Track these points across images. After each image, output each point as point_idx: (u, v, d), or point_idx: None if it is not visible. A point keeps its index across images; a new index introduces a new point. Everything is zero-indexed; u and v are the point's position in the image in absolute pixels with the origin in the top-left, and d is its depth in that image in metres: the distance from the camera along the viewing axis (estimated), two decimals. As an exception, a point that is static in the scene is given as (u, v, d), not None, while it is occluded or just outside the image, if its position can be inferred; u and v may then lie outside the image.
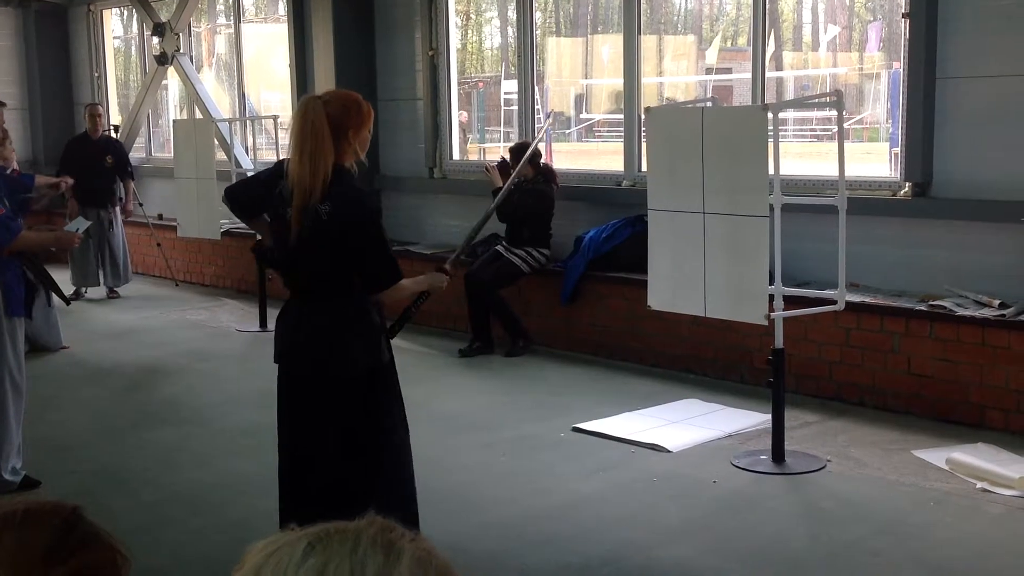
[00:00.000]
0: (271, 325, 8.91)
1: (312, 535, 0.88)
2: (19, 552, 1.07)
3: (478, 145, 10.78)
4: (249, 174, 9.95)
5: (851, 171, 6.50)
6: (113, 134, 11.53)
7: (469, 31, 10.36)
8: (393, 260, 3.93)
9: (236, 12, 11.13)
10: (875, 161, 7.76)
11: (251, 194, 4.12)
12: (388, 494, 4.02)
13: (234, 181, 4.20)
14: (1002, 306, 5.79)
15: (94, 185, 10.11)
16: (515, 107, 8.83)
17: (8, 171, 7.50)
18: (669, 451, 5.54)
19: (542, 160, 7.97)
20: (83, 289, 10.41)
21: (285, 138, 10.18)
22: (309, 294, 3.91)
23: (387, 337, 4.03)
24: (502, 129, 10.47)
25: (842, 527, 4.56)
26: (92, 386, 7.25)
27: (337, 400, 3.90)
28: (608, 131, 10.25)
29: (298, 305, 3.94)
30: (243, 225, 9.48)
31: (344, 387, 3.89)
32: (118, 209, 10.37)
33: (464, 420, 6.20)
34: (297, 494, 4.02)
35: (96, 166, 10.06)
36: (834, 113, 5.35)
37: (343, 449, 3.94)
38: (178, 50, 11.43)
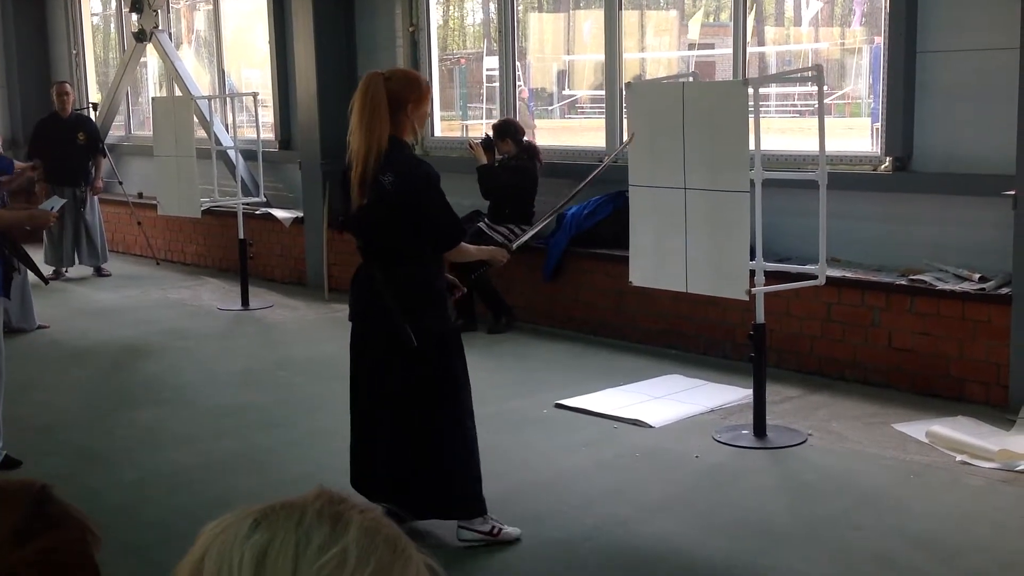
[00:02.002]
0: (253, 304, 9.01)
1: (258, 512, 0.88)
2: (-13, 532, 1.06)
3: (460, 122, 10.73)
4: (229, 152, 9.96)
5: (833, 146, 6.50)
6: (92, 112, 11.43)
7: (451, 7, 10.28)
8: (456, 221, 4.20)
9: (215, -12, 11.03)
10: (857, 136, 7.75)
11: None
12: (453, 461, 4.18)
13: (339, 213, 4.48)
14: (982, 280, 5.81)
15: (67, 164, 10.03)
16: (497, 84, 8.79)
17: None
18: (651, 426, 5.55)
19: (525, 137, 7.95)
20: (63, 269, 10.35)
21: (265, 115, 10.14)
22: (378, 260, 4.12)
23: (453, 304, 4.25)
24: (484, 106, 10.40)
25: (823, 500, 4.59)
26: (73, 366, 7.22)
27: (410, 364, 4.08)
28: (591, 107, 10.21)
29: (369, 270, 4.15)
30: (223, 203, 9.48)
31: (416, 352, 4.06)
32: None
33: (447, 397, 6.19)
34: (368, 454, 4.25)
35: (69, 144, 9.98)
36: (816, 88, 5.34)
37: (412, 413, 4.12)
38: (157, 27, 11.32)
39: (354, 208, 4.06)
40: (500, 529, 4.20)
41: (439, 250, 4.16)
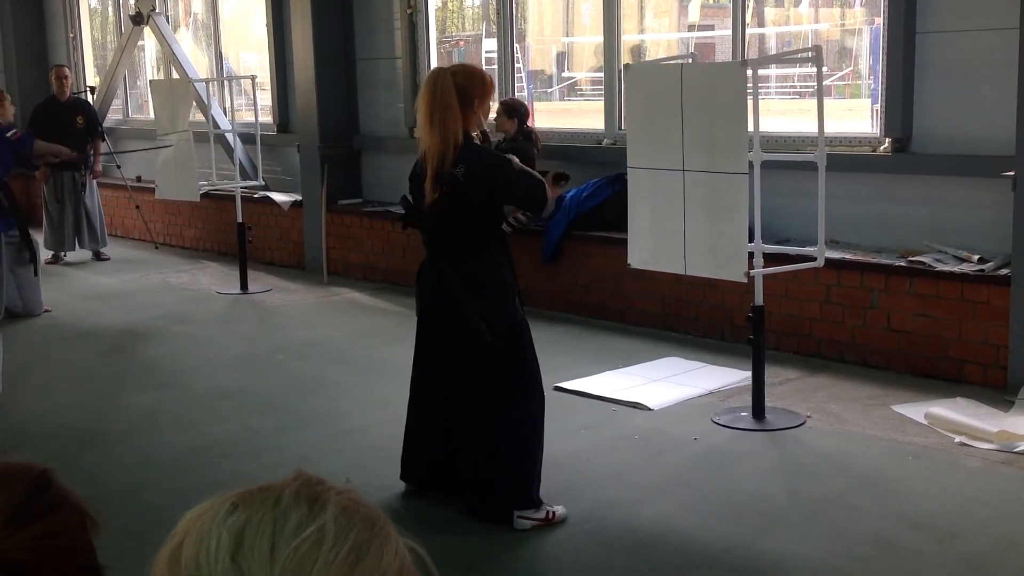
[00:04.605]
0: (252, 287, 9.01)
1: (237, 495, 0.89)
2: (-17, 514, 1.05)
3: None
4: (227, 135, 9.93)
5: (834, 127, 6.49)
6: (90, 96, 11.40)
7: (448, -11, 10.24)
8: (539, 182, 4.24)
9: (212, -29, 10.98)
10: (857, 118, 7.73)
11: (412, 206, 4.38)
12: (524, 454, 4.24)
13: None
14: (981, 261, 5.81)
15: (66, 147, 10.00)
16: (496, 66, 8.77)
17: (10, 132, 7.74)
18: (650, 409, 5.56)
19: (529, 123, 7.92)
20: (63, 253, 10.34)
21: (263, 99, 10.11)
22: (447, 254, 4.19)
23: (519, 295, 4.32)
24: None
25: (821, 482, 4.60)
26: (72, 349, 7.22)
27: (482, 356, 4.17)
28: (591, 89, 10.18)
29: (436, 265, 4.23)
30: (223, 187, 9.47)
31: (488, 344, 4.15)
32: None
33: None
34: (426, 447, 4.39)
35: (67, 128, 9.95)
36: (815, 69, 5.32)
37: (486, 405, 4.20)
38: (154, 9, 11.28)
39: (427, 203, 4.13)
40: (554, 512, 4.24)
41: (537, 210, 4.35)
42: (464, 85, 4.10)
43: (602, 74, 8.08)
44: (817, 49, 5.29)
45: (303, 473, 0.91)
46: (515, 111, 7.75)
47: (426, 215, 4.21)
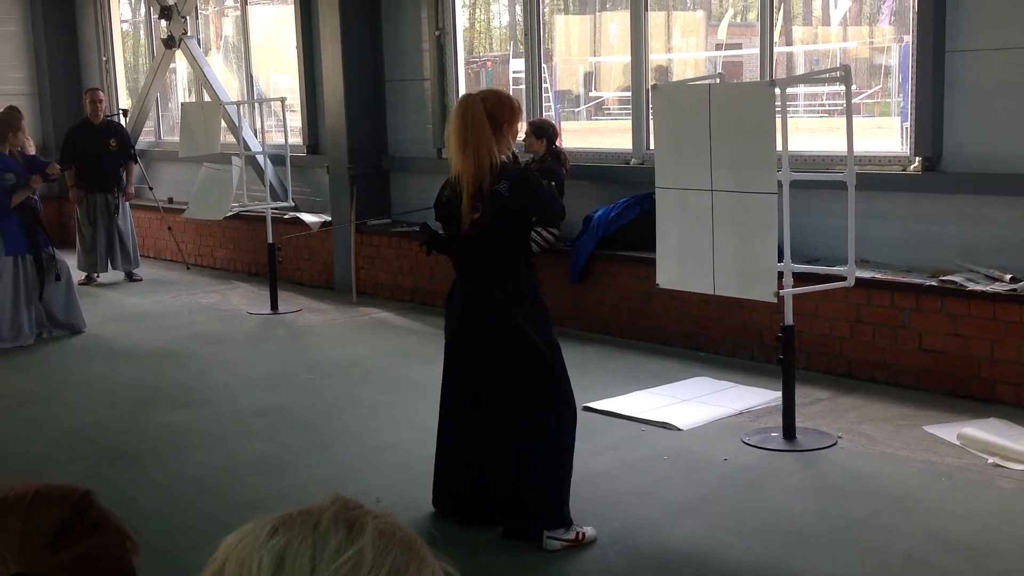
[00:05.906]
0: (282, 308, 9.07)
1: (277, 519, 0.91)
2: (26, 535, 1.07)
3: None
4: (258, 157, 10.02)
5: (863, 146, 6.46)
6: (122, 119, 11.53)
7: (476, 9, 10.30)
8: (557, 198, 4.53)
9: (243, -6, 11.10)
10: (887, 136, 7.70)
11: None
12: (555, 472, 4.26)
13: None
14: (1013, 280, 5.76)
15: (99, 170, 10.14)
16: (523, 86, 8.80)
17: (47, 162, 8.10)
18: (680, 429, 5.54)
19: (557, 143, 7.93)
20: (96, 274, 10.45)
21: (293, 120, 10.19)
22: (482, 275, 4.27)
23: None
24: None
25: (853, 503, 4.56)
26: (104, 369, 7.29)
27: (515, 375, 4.20)
28: (618, 109, 10.19)
29: (469, 285, 4.31)
30: (253, 208, 9.54)
31: (522, 364, 4.20)
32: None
33: (475, 400, 6.20)
34: (457, 473, 4.41)
35: (101, 151, 10.08)
36: (843, 88, 5.31)
37: (514, 424, 4.21)
38: (185, 33, 11.41)
39: (465, 224, 4.19)
40: (584, 533, 4.23)
41: (554, 225, 4.61)
42: (493, 110, 4.18)
43: (629, 94, 8.10)
44: (846, 69, 5.28)
45: (341, 497, 0.93)
46: (544, 131, 7.78)
47: (463, 237, 4.25)
